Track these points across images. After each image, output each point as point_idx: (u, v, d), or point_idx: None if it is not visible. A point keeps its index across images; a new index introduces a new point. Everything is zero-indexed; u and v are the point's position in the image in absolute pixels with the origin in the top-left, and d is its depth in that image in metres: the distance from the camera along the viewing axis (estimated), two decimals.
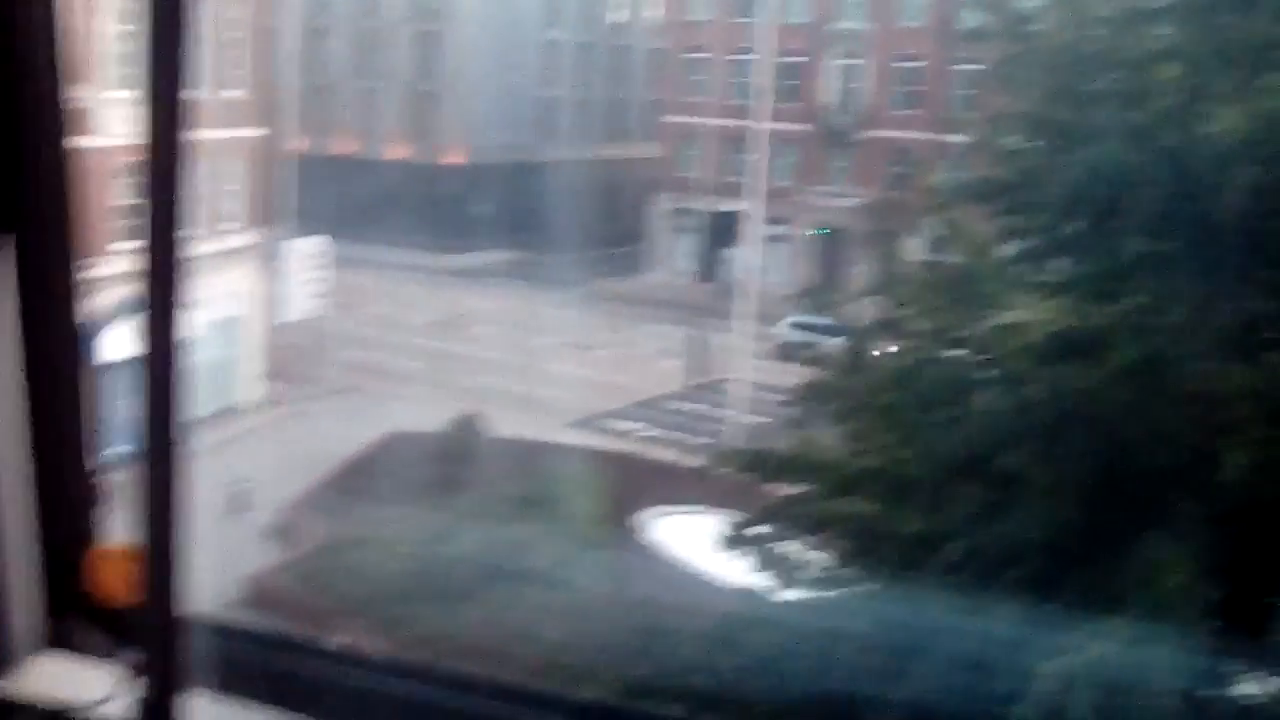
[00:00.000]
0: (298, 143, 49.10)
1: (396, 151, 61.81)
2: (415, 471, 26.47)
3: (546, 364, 37.30)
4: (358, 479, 27.25)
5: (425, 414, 30.77)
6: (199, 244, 31.88)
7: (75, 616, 3.00)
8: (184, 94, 2.15)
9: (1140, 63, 10.45)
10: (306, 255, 37.82)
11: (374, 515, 24.09)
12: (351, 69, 63.73)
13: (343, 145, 61.72)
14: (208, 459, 22.35)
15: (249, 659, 2.92)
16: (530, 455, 27.38)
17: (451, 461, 27.22)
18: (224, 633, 2.91)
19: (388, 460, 28.34)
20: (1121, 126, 10.18)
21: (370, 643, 14.21)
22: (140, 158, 2.20)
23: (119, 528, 3.35)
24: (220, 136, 31.77)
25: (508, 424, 30.32)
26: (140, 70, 2.16)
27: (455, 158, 60.71)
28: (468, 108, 61.01)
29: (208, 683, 2.71)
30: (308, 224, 40.06)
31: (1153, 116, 10.07)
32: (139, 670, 2.41)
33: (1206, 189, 9.51)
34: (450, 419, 29.76)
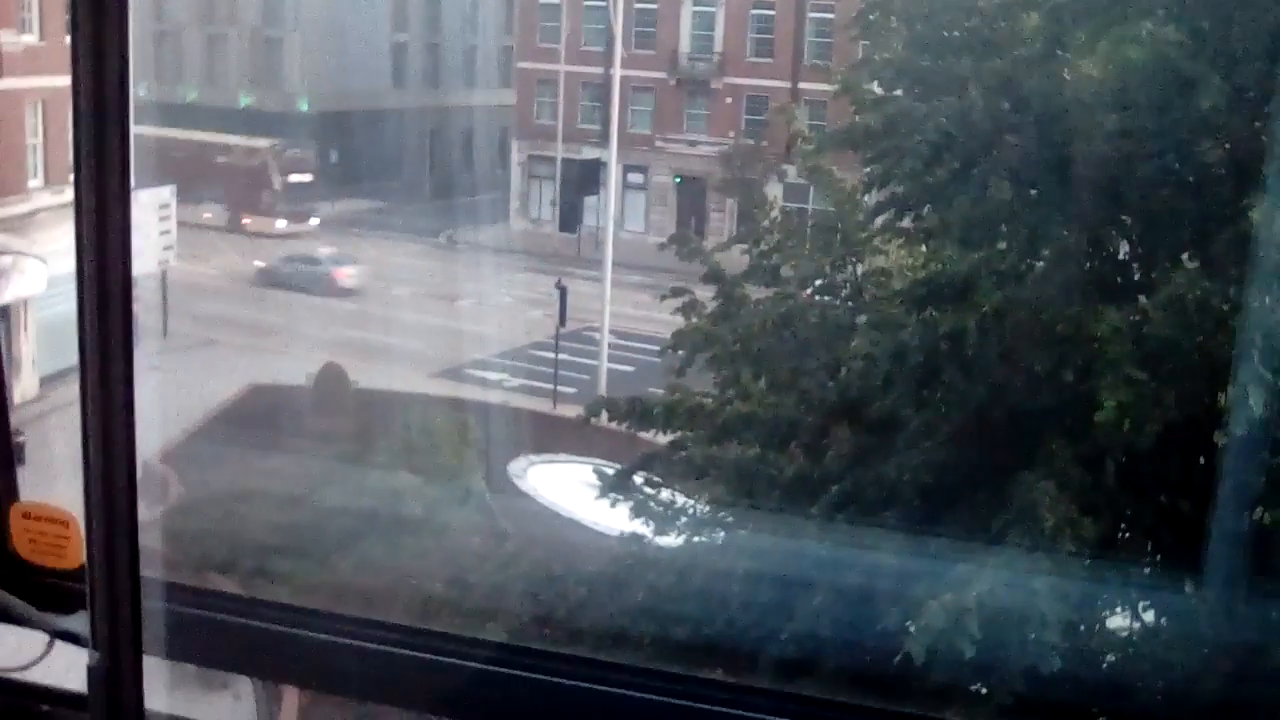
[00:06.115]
0: (140, 90, 47.66)
1: (242, 99, 60.29)
2: (280, 424, 26.04)
3: (408, 315, 36.89)
4: (221, 433, 26.73)
5: (287, 367, 30.25)
6: (42, 196, 30.90)
7: None
8: (120, 41, 2.08)
9: (1000, 11, 10.63)
10: (153, 206, 36.73)
11: (240, 469, 23.68)
12: (195, 15, 61.84)
13: (186, 93, 59.99)
14: (63, 416, 21.71)
15: (201, 621, 2.89)
16: (397, 406, 27.13)
17: (317, 414, 26.85)
18: (174, 596, 2.87)
19: (251, 414, 27.83)
20: (983, 75, 10.35)
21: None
22: (74, 103, 2.13)
23: (37, 486, 3.26)
24: (57, 85, 30.66)
25: (373, 375, 29.97)
26: (72, 18, 2.09)
27: (303, 104, 59.43)
28: (316, 55, 59.68)
29: (161, 647, 2.68)
30: (153, 175, 38.93)
31: (1014, 65, 10.27)
32: (90, 635, 2.35)
33: (1068, 135, 9.75)
34: (313, 371, 29.32)
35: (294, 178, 48.18)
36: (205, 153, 49.08)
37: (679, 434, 12.21)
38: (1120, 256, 10.32)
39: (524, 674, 2.81)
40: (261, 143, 49.52)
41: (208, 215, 46.23)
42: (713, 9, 51.23)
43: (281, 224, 46.14)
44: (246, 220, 46.44)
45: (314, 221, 47.01)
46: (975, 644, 7.99)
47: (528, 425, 28.25)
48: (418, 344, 33.93)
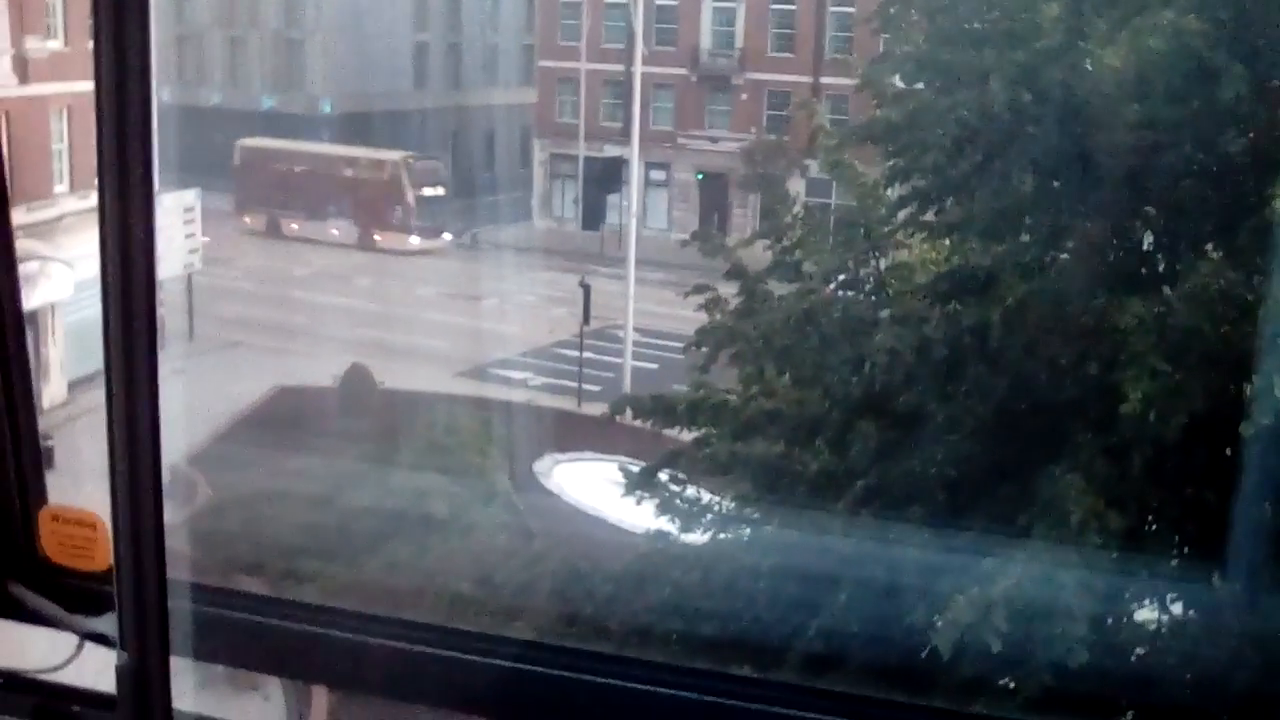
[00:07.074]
0: (163, 94, 47.76)
1: (265, 101, 60.50)
2: (306, 425, 26.13)
3: (433, 315, 36.97)
4: (247, 435, 26.86)
5: (312, 368, 30.37)
6: (68, 202, 31.07)
7: (21, 580, 2.95)
8: (142, 44, 2.10)
9: (1020, 3, 10.60)
10: (179, 209, 36.90)
11: (267, 470, 23.79)
12: (216, 18, 62.09)
13: (209, 96, 60.21)
14: (91, 419, 21.83)
15: (230, 622, 2.92)
16: (423, 406, 27.24)
17: (343, 414, 26.97)
18: (203, 597, 2.90)
19: (278, 415, 27.96)
20: (1004, 67, 10.32)
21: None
22: (97, 108, 2.15)
23: (65, 490, 3.29)
24: (82, 90, 30.80)
25: (398, 376, 30.07)
26: (94, 22, 2.11)
27: (326, 106, 59.58)
28: (337, 55, 59.83)
29: (189, 648, 2.70)
30: (177, 177, 39.09)
31: (1035, 56, 10.24)
32: (118, 637, 2.37)
33: (1090, 127, 9.72)
34: (339, 372, 29.43)
35: (426, 191, 46.42)
36: (330, 166, 47.83)
37: (703, 431, 12.21)
38: (1144, 247, 10.28)
39: (552, 671, 2.82)
40: (393, 155, 47.59)
41: (335, 232, 45.40)
42: (733, 5, 51.18)
43: (415, 240, 44.66)
44: (379, 237, 45.02)
45: (447, 237, 45.49)
46: (1002, 638, 7.99)
47: (552, 424, 28.31)
48: (443, 344, 33.99)
